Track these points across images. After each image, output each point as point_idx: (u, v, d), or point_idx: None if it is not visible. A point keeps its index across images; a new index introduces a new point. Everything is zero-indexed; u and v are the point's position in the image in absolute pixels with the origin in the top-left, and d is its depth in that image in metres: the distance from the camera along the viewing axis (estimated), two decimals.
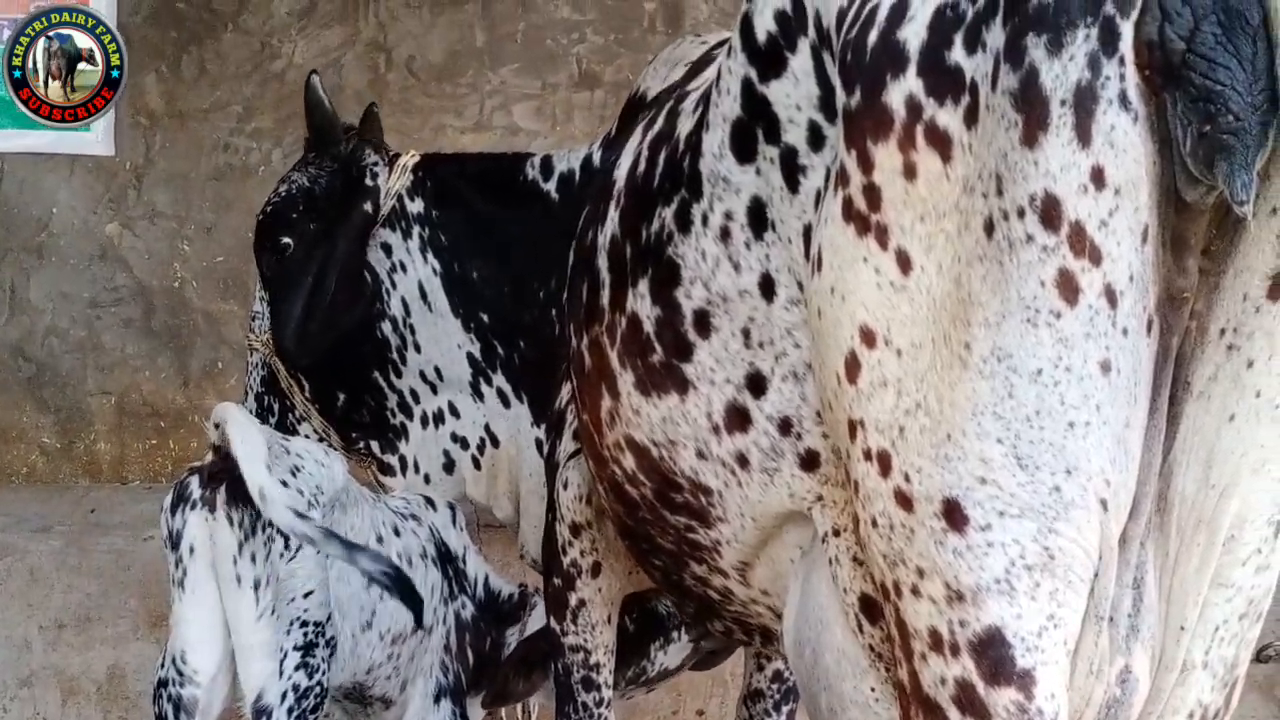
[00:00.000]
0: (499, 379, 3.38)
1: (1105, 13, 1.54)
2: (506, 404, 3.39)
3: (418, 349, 3.41)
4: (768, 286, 2.02)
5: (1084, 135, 1.55)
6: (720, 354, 2.11)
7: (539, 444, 3.30)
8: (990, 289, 1.62)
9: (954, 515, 1.67)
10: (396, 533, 3.26)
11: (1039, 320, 1.60)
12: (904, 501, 1.73)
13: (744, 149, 2.03)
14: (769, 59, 1.97)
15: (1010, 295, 1.61)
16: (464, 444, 3.45)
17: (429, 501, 3.38)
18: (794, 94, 1.94)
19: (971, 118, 1.63)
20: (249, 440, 2.78)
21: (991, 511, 1.65)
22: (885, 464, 1.75)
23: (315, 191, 3.43)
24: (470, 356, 3.39)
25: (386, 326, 3.42)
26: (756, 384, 2.06)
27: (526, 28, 5.29)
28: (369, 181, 3.40)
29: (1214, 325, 1.67)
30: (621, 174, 2.45)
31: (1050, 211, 1.57)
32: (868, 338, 1.76)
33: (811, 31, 1.90)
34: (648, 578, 2.87)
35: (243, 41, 5.22)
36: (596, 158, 3.18)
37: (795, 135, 1.95)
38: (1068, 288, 1.59)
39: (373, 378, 3.45)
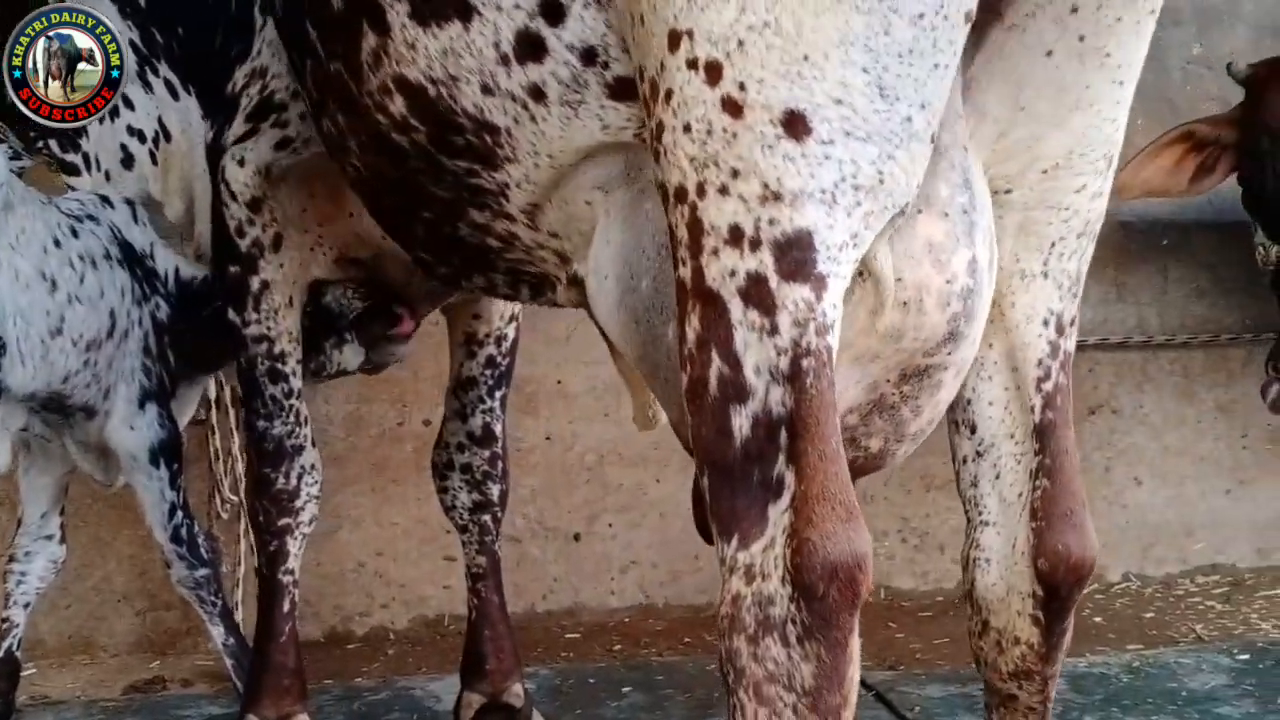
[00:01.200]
0: (165, 69, 3.09)
1: None
2: (175, 96, 3.10)
3: None
4: None
5: None
6: None
7: None
8: None
9: (795, 125, 1.65)
10: (75, 234, 3.04)
11: None
12: (732, 108, 1.67)
13: None
14: None
15: None
16: (140, 137, 3.17)
17: (105, 200, 3.14)
18: None
19: None
20: None
21: (838, 130, 1.65)
22: (715, 73, 1.68)
23: None
24: (132, 44, 3.08)
25: None
26: (553, 10, 1.89)
27: None
28: None
29: None
30: None
31: None
32: None
33: None
34: (391, 240, 2.64)
35: None
36: None
37: None
38: None
39: None
